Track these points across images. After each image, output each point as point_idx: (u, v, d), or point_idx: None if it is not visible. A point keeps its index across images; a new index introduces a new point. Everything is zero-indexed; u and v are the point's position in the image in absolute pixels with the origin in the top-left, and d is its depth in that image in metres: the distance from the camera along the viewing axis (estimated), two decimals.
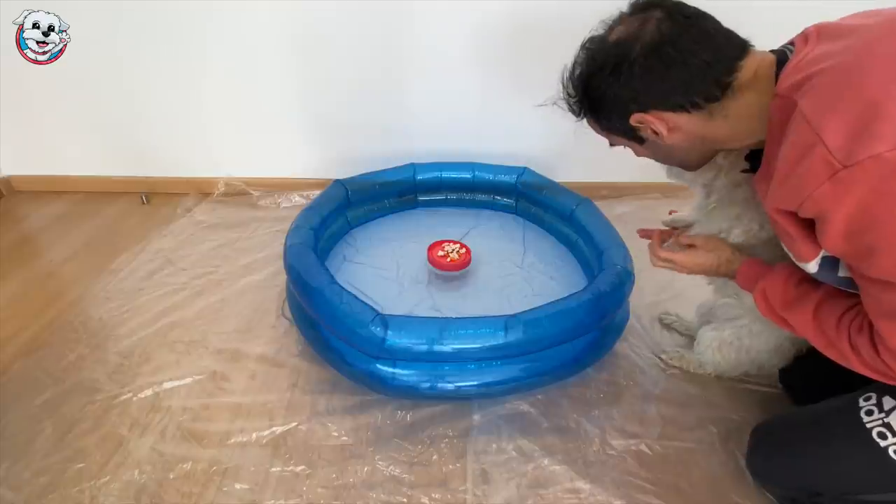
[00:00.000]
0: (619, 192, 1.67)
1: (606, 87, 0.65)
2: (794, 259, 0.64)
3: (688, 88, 0.62)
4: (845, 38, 0.56)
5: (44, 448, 0.91)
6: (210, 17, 1.44)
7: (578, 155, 1.65)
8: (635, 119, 0.66)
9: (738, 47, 0.62)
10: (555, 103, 0.76)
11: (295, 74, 1.54)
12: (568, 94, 0.73)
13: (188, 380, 1.05)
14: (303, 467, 0.89)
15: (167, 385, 1.03)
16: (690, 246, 0.86)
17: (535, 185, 1.45)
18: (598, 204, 1.34)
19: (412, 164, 1.50)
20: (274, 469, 0.88)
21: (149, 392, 1.02)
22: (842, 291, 0.64)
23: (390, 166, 1.50)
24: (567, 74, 0.72)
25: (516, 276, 1.29)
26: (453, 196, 1.56)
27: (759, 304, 0.74)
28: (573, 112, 0.75)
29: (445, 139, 1.62)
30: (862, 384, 0.68)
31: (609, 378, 1.06)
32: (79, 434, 0.94)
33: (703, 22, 0.62)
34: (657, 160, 0.78)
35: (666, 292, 1.27)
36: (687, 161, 0.76)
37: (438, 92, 1.55)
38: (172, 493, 0.85)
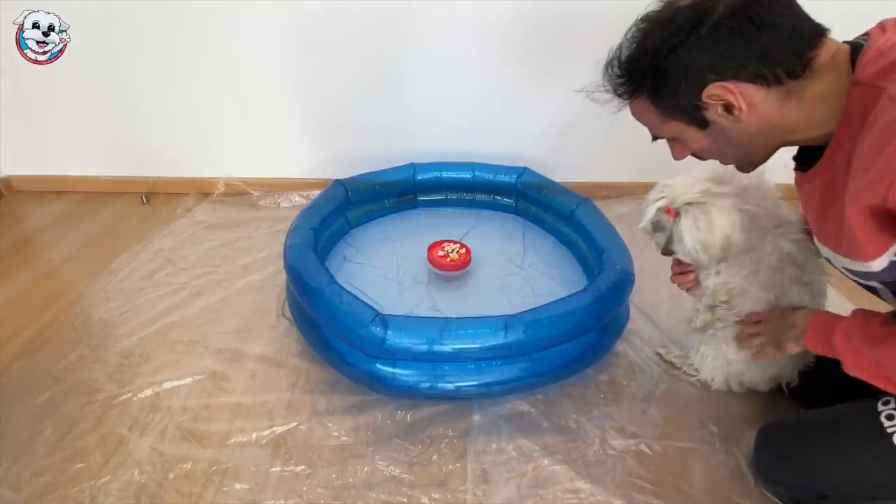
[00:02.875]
0: (619, 192, 1.68)
1: (681, 53, 0.59)
2: (850, 263, 0.62)
3: (771, 57, 0.57)
4: None
5: (44, 448, 0.91)
6: (210, 17, 1.44)
7: (578, 155, 1.65)
8: (711, 91, 0.60)
9: (817, 25, 0.59)
10: (588, 95, 0.70)
11: (295, 74, 1.54)
12: (616, 75, 0.67)
13: (188, 380, 1.05)
14: (303, 467, 0.89)
15: (167, 385, 1.03)
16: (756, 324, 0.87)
17: (535, 185, 1.45)
18: (598, 204, 1.34)
19: (412, 164, 1.50)
20: (274, 469, 0.88)
21: (149, 392, 1.02)
22: None
23: (390, 166, 1.50)
24: (615, 55, 0.66)
25: (516, 276, 1.29)
26: (453, 196, 1.56)
27: (849, 361, 0.67)
28: (622, 95, 0.68)
29: (445, 139, 1.62)
30: (869, 393, 0.68)
31: (609, 378, 1.06)
32: (79, 434, 0.94)
33: None
34: (712, 153, 0.70)
35: (666, 291, 1.27)
36: (751, 153, 0.69)
37: (438, 92, 1.56)
38: (172, 493, 0.85)
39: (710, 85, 0.59)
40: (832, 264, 0.69)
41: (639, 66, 0.64)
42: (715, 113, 0.62)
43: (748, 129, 0.62)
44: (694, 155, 0.72)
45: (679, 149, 0.72)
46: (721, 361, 0.98)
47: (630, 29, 0.65)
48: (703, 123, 0.65)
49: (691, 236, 0.84)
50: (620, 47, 0.66)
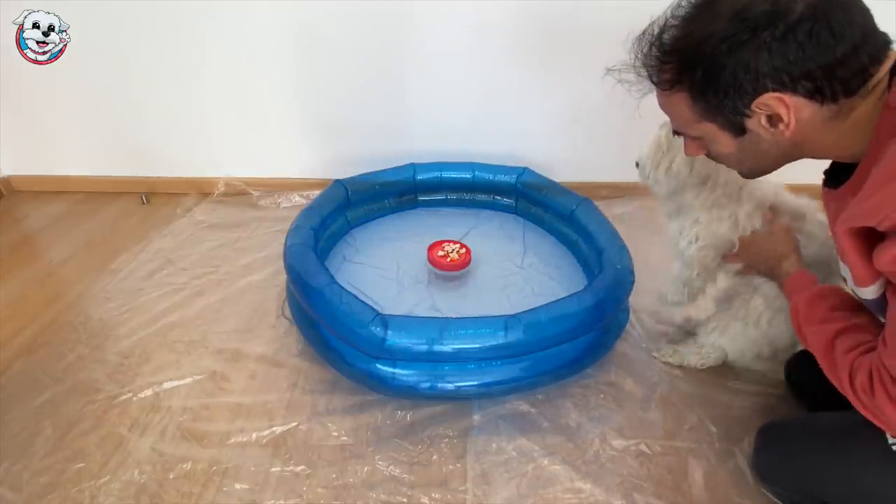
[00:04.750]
0: (619, 192, 1.67)
1: (747, 52, 0.52)
2: (851, 283, 0.62)
3: (836, 72, 0.51)
4: None
5: (44, 448, 0.91)
6: (210, 17, 1.44)
7: (578, 155, 1.65)
8: (765, 100, 0.54)
9: (884, 37, 0.53)
10: (619, 72, 0.63)
11: (295, 74, 1.54)
12: (656, 58, 0.59)
13: (188, 380, 1.05)
14: (303, 467, 0.89)
15: (167, 385, 1.03)
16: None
17: (535, 185, 1.45)
18: (598, 204, 1.34)
19: (412, 164, 1.50)
20: (274, 469, 0.88)
21: (149, 392, 1.02)
22: (864, 328, 0.63)
23: (390, 166, 1.50)
24: (655, 33, 0.59)
25: (516, 276, 1.29)
26: (453, 196, 1.56)
27: (791, 312, 0.73)
28: (659, 83, 0.61)
29: (445, 139, 1.62)
30: None
31: (609, 378, 1.06)
32: (79, 434, 0.94)
33: None
34: (731, 159, 0.66)
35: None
36: (771, 165, 0.65)
37: (439, 92, 1.56)
38: (172, 493, 0.85)
39: (766, 94, 0.53)
40: (848, 284, 0.68)
41: (690, 57, 0.56)
42: (757, 122, 0.57)
43: (783, 143, 0.58)
44: (708, 155, 0.68)
45: (697, 147, 0.67)
46: (748, 331, 0.97)
47: (682, 6, 0.57)
48: (739, 130, 0.59)
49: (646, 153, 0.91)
50: (665, 25, 0.58)
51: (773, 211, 0.89)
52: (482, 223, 1.49)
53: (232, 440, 0.93)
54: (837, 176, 0.63)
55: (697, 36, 0.55)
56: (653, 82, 0.62)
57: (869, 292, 0.59)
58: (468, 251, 1.28)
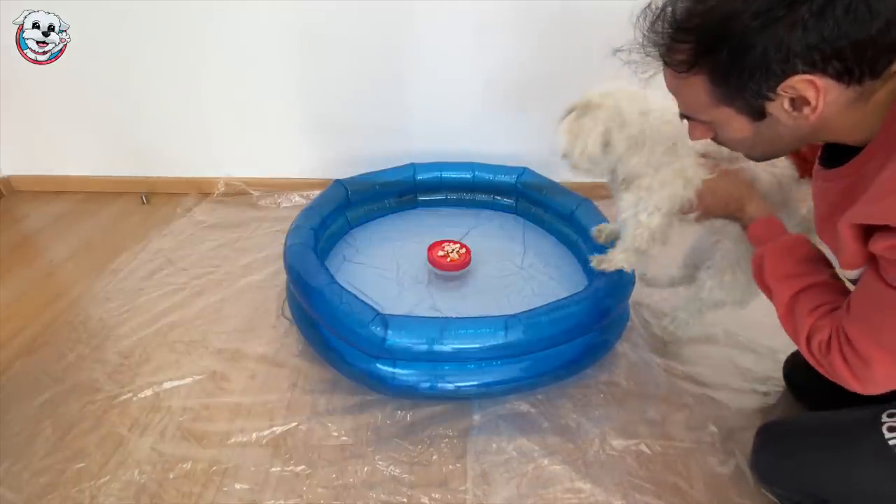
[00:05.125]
0: None
1: (780, 29, 0.48)
2: (838, 264, 0.62)
3: (867, 51, 0.48)
4: None
5: (44, 448, 0.91)
6: (210, 17, 1.44)
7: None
8: (793, 83, 0.50)
9: None
10: (628, 52, 0.58)
11: (295, 74, 1.54)
12: (669, 35, 0.55)
13: (188, 380, 1.05)
14: (303, 467, 0.89)
15: (167, 385, 1.03)
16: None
17: (535, 185, 1.45)
18: (598, 204, 1.34)
19: (412, 164, 1.50)
20: (274, 469, 0.88)
21: (149, 392, 1.02)
22: (828, 287, 0.64)
23: (390, 166, 1.50)
24: (667, 4, 0.54)
25: (516, 276, 1.29)
26: (453, 196, 1.56)
27: (754, 263, 0.71)
28: (674, 64, 0.56)
29: (445, 139, 1.62)
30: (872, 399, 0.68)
31: (609, 378, 1.06)
32: (79, 434, 0.94)
33: None
34: (743, 144, 0.63)
35: (666, 290, 1.27)
36: (784, 150, 0.64)
37: (438, 92, 1.56)
38: (172, 493, 0.85)
39: (795, 76, 0.50)
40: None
41: (713, 35, 0.51)
42: (779, 106, 0.53)
43: (803, 127, 0.55)
44: (714, 138, 0.65)
45: (704, 131, 0.64)
46: (738, 276, 0.93)
47: None
48: (759, 115, 0.56)
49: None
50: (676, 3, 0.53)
51: (708, 157, 0.85)
52: (482, 223, 1.49)
53: (232, 440, 0.93)
54: (834, 156, 0.61)
55: (722, 11, 0.50)
56: (665, 63, 0.57)
57: (855, 274, 0.59)
58: (468, 251, 1.28)
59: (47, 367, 1.07)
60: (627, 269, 0.96)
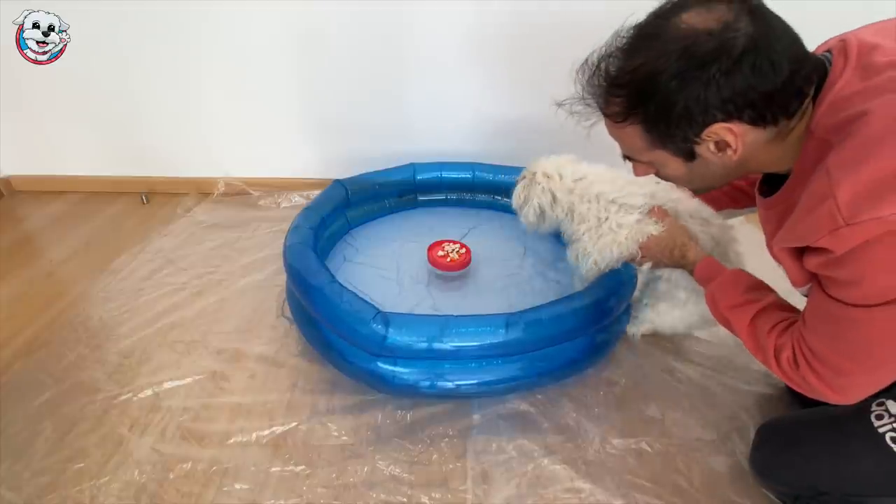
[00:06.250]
0: None
1: (697, 87, 0.54)
2: (791, 285, 0.66)
3: (776, 98, 0.55)
4: (882, 74, 0.54)
5: (44, 448, 0.91)
6: (210, 17, 1.44)
7: (578, 155, 1.65)
8: (713, 130, 0.57)
9: (816, 61, 0.58)
10: (569, 109, 0.66)
11: (295, 74, 1.55)
12: (605, 90, 0.61)
13: (188, 380, 1.05)
14: (303, 467, 0.89)
15: (167, 385, 1.03)
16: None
17: None
18: None
19: (412, 164, 1.50)
20: (274, 469, 0.88)
21: (149, 392, 1.02)
22: (780, 306, 0.71)
23: (390, 166, 1.50)
24: (601, 65, 0.61)
25: (516, 276, 1.29)
26: (453, 196, 1.56)
27: (708, 300, 0.79)
28: (611, 115, 0.63)
29: (445, 139, 1.62)
30: None
31: (609, 378, 1.06)
32: (79, 434, 0.94)
33: (777, 18, 0.55)
34: (682, 180, 0.70)
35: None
36: (719, 182, 0.70)
37: (438, 92, 1.56)
38: (172, 493, 0.85)
39: (715, 124, 0.56)
40: None
41: (641, 91, 0.58)
42: (706, 149, 0.60)
43: (729, 164, 0.61)
44: (657, 174, 0.71)
45: (646, 169, 0.70)
46: (673, 311, 1.07)
47: (622, 36, 0.59)
48: (689, 156, 0.63)
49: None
50: (609, 56, 0.60)
51: (658, 210, 0.97)
52: (482, 223, 1.49)
53: (232, 440, 0.93)
54: (769, 185, 0.68)
55: (647, 70, 0.56)
56: (603, 114, 0.64)
57: (805, 290, 0.64)
58: (468, 251, 1.28)
59: (47, 367, 1.07)
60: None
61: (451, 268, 1.24)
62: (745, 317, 0.71)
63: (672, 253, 0.91)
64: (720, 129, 0.57)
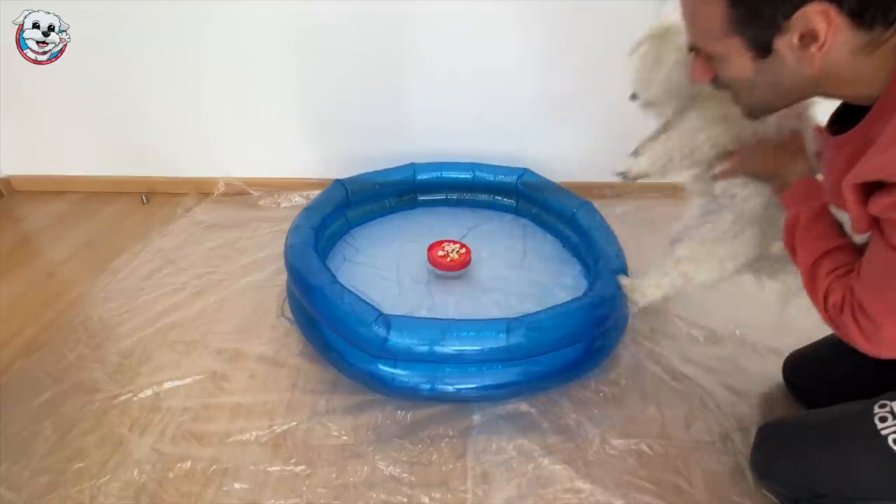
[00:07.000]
0: (619, 192, 1.67)
1: None
2: (851, 231, 0.63)
3: None
4: None
5: (44, 448, 0.91)
6: (210, 17, 1.44)
7: (578, 155, 1.65)
8: (808, 11, 0.49)
9: None
10: None
11: (295, 74, 1.54)
12: None
13: (188, 380, 1.05)
14: (303, 467, 0.89)
15: (167, 385, 1.03)
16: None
17: (536, 185, 1.45)
18: (599, 204, 1.34)
19: (412, 164, 1.50)
20: (274, 469, 0.88)
21: (149, 392, 1.02)
22: (850, 250, 0.65)
23: (390, 166, 1.50)
24: None
25: (516, 276, 1.29)
26: (453, 196, 1.56)
27: (789, 221, 0.72)
28: None
29: (445, 139, 1.62)
30: (870, 383, 0.69)
31: (609, 378, 1.06)
32: (79, 434, 0.94)
33: None
34: (742, 87, 0.63)
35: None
36: (783, 99, 0.63)
37: (438, 92, 1.56)
38: (172, 492, 0.85)
39: (812, 3, 0.48)
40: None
41: None
42: (787, 41, 0.53)
43: (806, 71, 0.54)
44: (713, 81, 0.64)
45: (708, 70, 0.63)
46: (715, 249, 0.89)
47: None
48: (765, 50, 0.55)
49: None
50: None
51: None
52: (482, 223, 1.49)
53: (232, 440, 0.93)
54: (840, 122, 0.61)
55: None
56: None
57: (866, 237, 0.60)
58: (468, 251, 1.28)
59: (47, 367, 1.07)
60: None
61: (451, 268, 1.24)
62: (813, 252, 0.67)
63: (779, 157, 0.77)
64: (815, 13, 0.49)
